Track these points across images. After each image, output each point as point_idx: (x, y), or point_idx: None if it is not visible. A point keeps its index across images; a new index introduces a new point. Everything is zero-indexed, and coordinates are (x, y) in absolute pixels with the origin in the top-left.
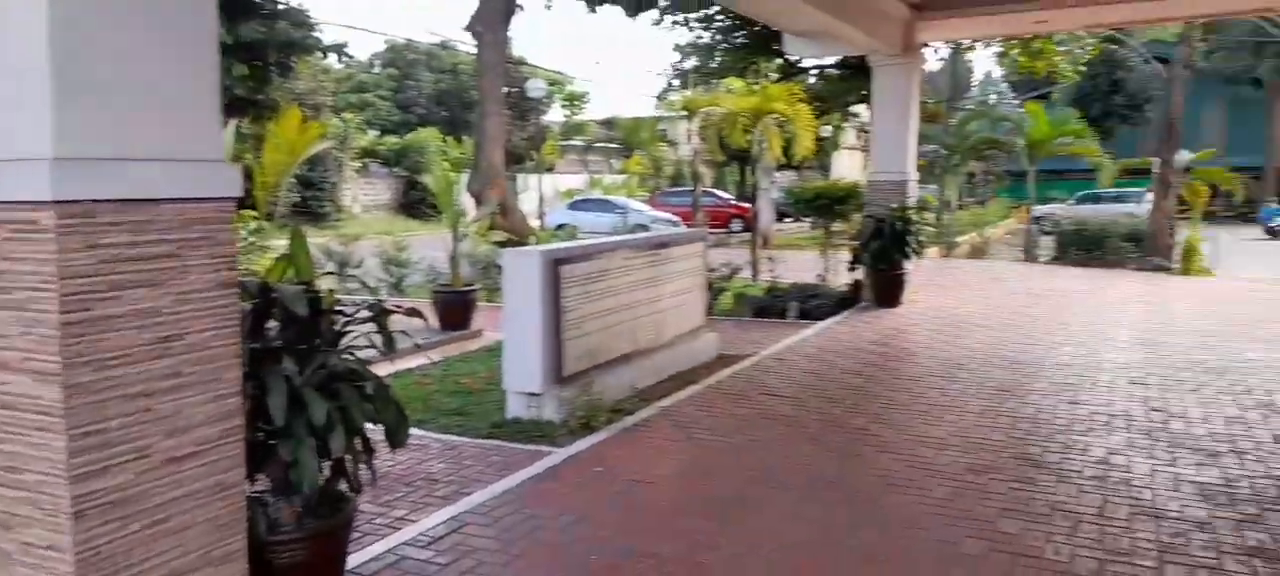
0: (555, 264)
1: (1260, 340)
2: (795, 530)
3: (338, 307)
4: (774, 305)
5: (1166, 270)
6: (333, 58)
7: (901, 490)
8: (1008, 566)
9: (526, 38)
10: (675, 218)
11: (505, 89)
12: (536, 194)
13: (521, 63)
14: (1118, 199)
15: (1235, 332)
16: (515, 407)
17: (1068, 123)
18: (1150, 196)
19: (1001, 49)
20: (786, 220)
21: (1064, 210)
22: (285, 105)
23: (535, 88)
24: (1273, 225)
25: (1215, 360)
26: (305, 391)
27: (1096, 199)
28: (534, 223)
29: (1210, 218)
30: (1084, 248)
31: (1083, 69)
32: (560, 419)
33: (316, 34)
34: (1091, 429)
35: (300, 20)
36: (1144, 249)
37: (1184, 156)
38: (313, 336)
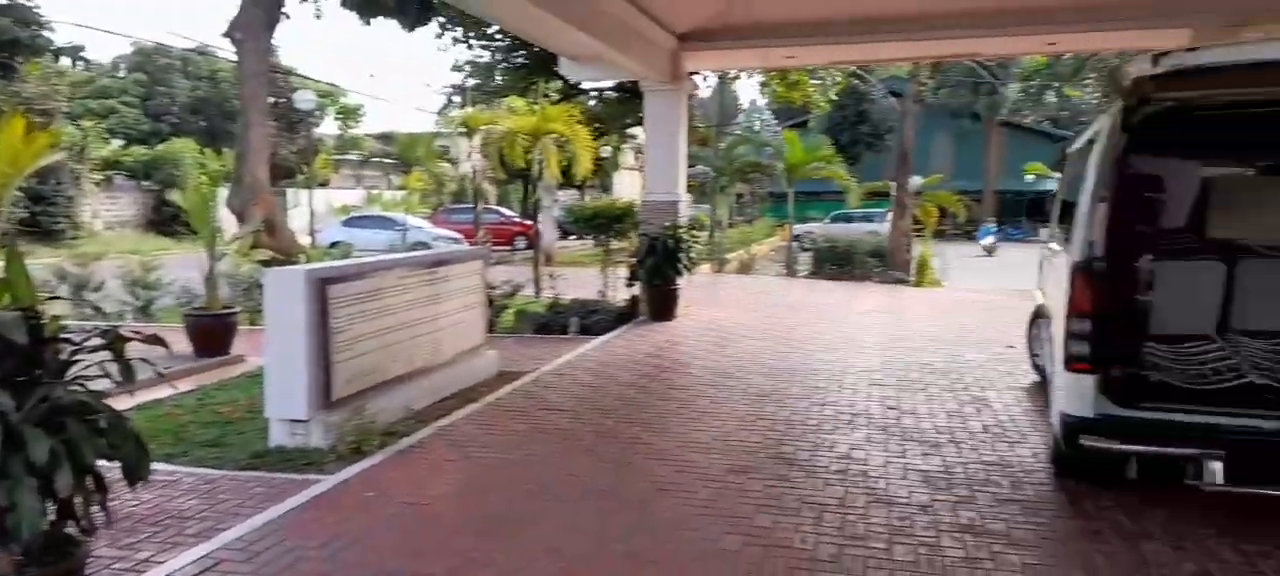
0: (323, 283)
1: (976, 344)
2: (570, 541)
3: (64, 335)
4: (555, 321)
5: (904, 282)
6: (67, 60)
7: (670, 494)
8: (760, 558)
9: (295, 47)
10: (458, 235)
11: (271, 99)
12: (308, 210)
13: (290, 72)
14: (865, 219)
15: (957, 338)
16: (279, 435)
17: (820, 149)
18: (890, 216)
19: (763, 80)
20: (571, 237)
21: (820, 229)
22: (9, 111)
23: (304, 99)
24: (985, 243)
25: (940, 362)
26: (24, 428)
27: (848, 218)
28: (304, 240)
29: (940, 236)
30: (836, 263)
31: (833, 98)
32: (329, 445)
33: (47, 33)
34: (837, 427)
35: (26, 17)
36: (886, 264)
37: (916, 181)
38: (34, 367)
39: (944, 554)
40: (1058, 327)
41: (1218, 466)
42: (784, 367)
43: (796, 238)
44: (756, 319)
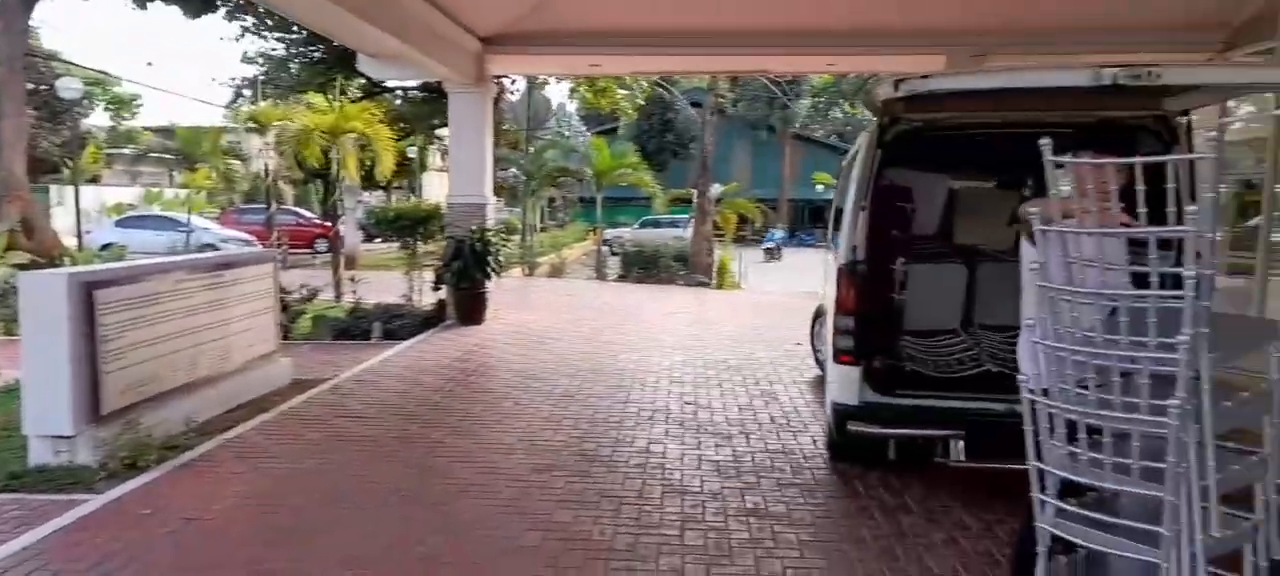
0: (88, 287)
1: (767, 342)
2: (367, 546)
3: None
4: (356, 326)
5: (706, 285)
6: None
7: (472, 495)
8: (559, 552)
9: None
10: (249, 237)
11: (31, 87)
12: (74, 209)
13: (52, 57)
14: (671, 224)
15: (751, 336)
16: (40, 454)
17: (628, 156)
18: (693, 222)
19: (572, 85)
20: (376, 240)
21: (629, 233)
22: None
23: (68, 87)
24: (768, 247)
25: (735, 359)
26: None
27: (655, 224)
28: (70, 242)
29: (740, 241)
30: (644, 267)
31: (642, 103)
32: (98, 461)
33: None
34: (638, 423)
35: None
36: (689, 267)
37: (717, 188)
38: None
39: (731, 536)
40: (829, 324)
41: (960, 445)
42: (589, 368)
43: (606, 242)
44: (565, 322)
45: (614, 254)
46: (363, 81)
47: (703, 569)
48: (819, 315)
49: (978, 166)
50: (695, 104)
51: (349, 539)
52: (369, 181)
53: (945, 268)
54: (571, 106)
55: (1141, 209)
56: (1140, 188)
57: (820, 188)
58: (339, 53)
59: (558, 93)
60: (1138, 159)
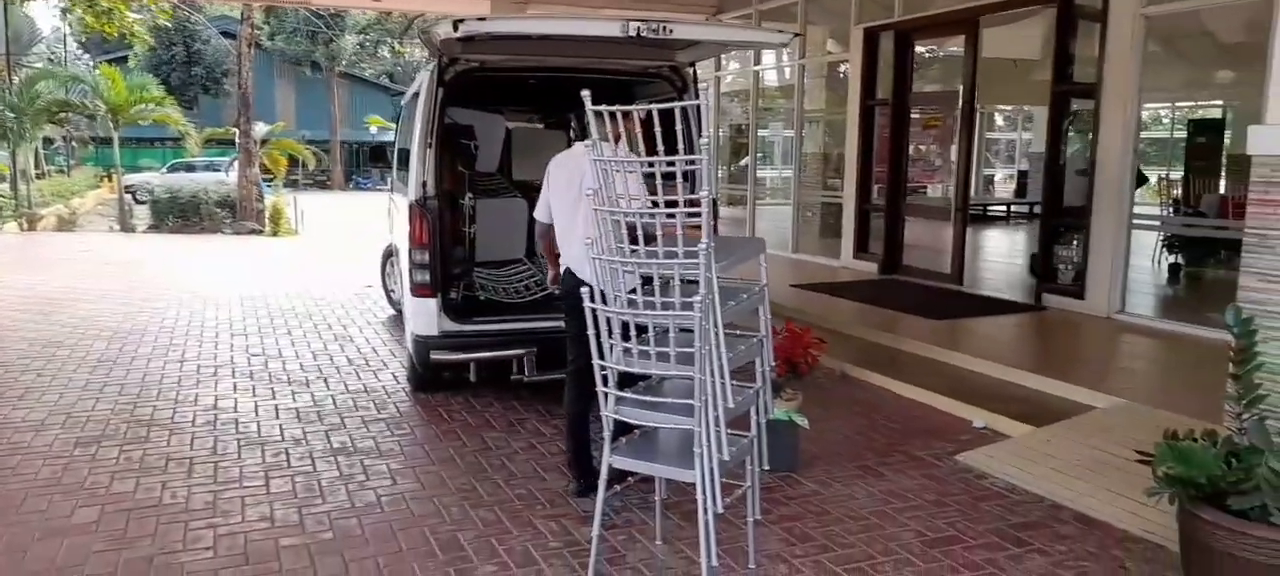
0: None
1: (335, 287)
2: None
3: None
4: None
5: (259, 233)
6: None
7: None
8: (123, 522)
9: None
10: None
11: None
12: None
13: None
14: (210, 167)
15: (317, 282)
16: None
17: (148, 89)
18: (237, 164)
19: (64, 5)
20: None
21: (158, 178)
22: None
23: None
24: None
25: (302, 307)
26: None
27: (190, 167)
28: None
29: (293, 185)
30: (181, 215)
31: (165, 23)
32: None
33: None
34: (200, 381)
35: None
36: (238, 214)
37: (261, 128)
38: None
39: (320, 477)
40: (404, 261)
41: (531, 361)
42: (131, 329)
43: (130, 189)
44: (90, 281)
45: (140, 202)
46: None
47: (294, 511)
48: (389, 255)
49: (530, 107)
50: (227, 34)
51: None
52: None
53: (509, 202)
54: (67, 30)
55: (660, 145)
56: (657, 128)
57: (374, 130)
58: None
59: (46, 14)
60: (654, 105)
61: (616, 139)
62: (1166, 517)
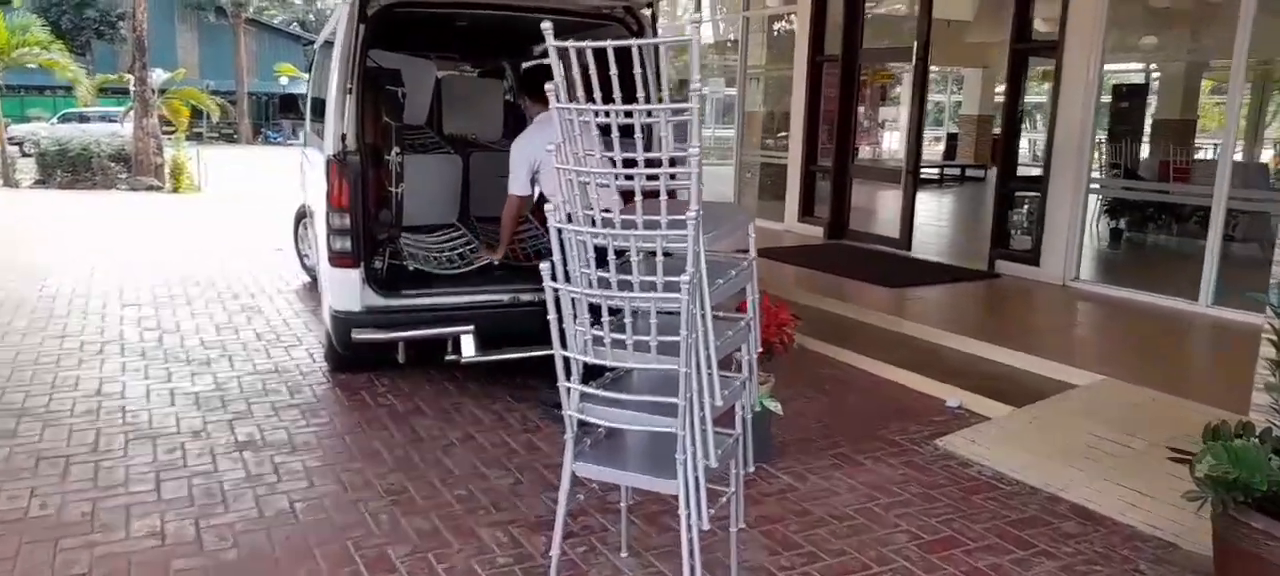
0: None
1: (241, 250)
2: None
3: None
4: None
5: (158, 189)
6: None
7: None
8: None
9: None
10: None
11: None
12: None
13: None
14: (105, 118)
15: (221, 245)
16: None
17: (31, 31)
18: (133, 115)
19: None
20: None
21: (46, 130)
22: None
23: None
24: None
25: (204, 273)
26: None
27: (83, 118)
28: None
29: (198, 138)
30: (70, 169)
31: None
32: None
33: None
34: (83, 361)
35: None
36: (134, 169)
37: (159, 76)
38: None
39: (223, 479)
40: (320, 225)
41: (470, 340)
42: (4, 299)
43: (17, 141)
44: None
45: (26, 155)
46: None
47: (190, 523)
48: (302, 217)
49: (461, 52)
50: None
51: None
52: None
53: (440, 159)
54: None
55: (616, 93)
56: (613, 72)
57: (285, 80)
58: None
59: None
60: (652, 41)
61: (570, 84)
62: (1173, 510)
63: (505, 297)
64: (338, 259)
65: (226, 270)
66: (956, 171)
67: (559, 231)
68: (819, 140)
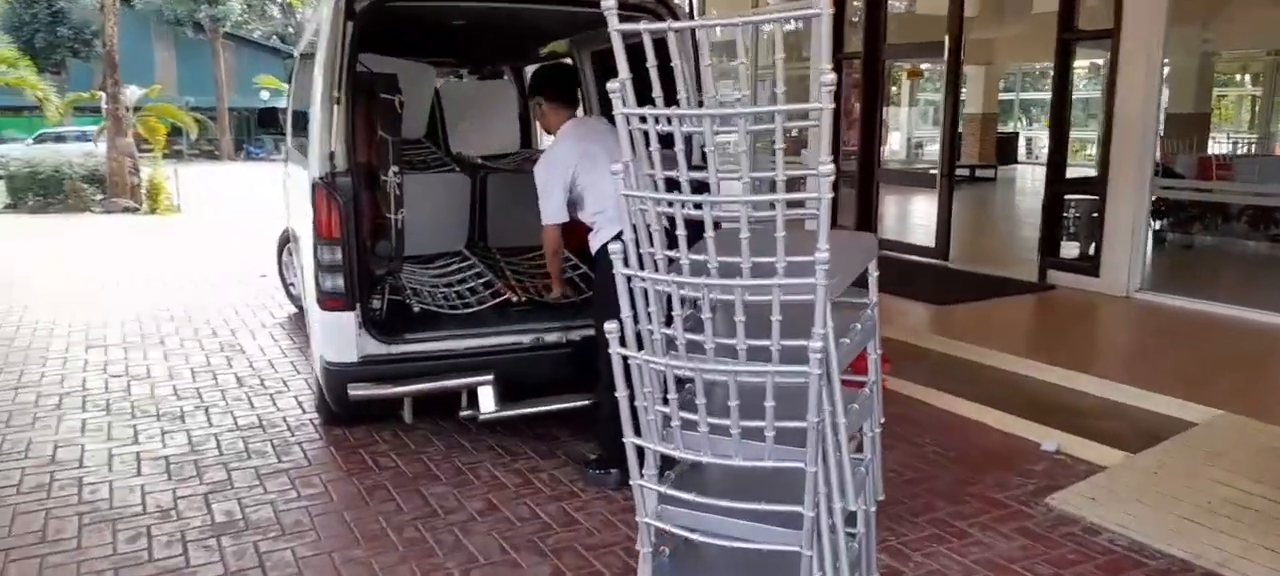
0: None
1: (222, 278)
2: None
3: None
4: None
5: (134, 211)
6: None
7: None
8: None
9: None
10: None
11: None
12: None
13: None
14: (82, 137)
15: (200, 272)
16: None
17: (1, 51)
18: (107, 134)
19: None
20: None
21: (21, 151)
22: None
23: None
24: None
25: (181, 305)
26: None
27: (60, 138)
28: None
29: (177, 156)
30: (42, 192)
31: None
32: None
33: None
34: (38, 417)
35: None
36: (109, 190)
37: (133, 92)
38: None
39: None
40: (306, 258)
41: (489, 392)
42: None
43: None
44: None
45: None
46: None
47: None
48: (286, 240)
49: (458, 54)
50: None
51: None
52: None
53: (444, 178)
54: None
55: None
56: (680, 67)
57: (266, 94)
58: None
59: None
60: (739, 18)
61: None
62: None
63: (526, 339)
64: (328, 300)
65: (205, 301)
66: (966, 172)
67: (628, 279)
68: (842, 143)
